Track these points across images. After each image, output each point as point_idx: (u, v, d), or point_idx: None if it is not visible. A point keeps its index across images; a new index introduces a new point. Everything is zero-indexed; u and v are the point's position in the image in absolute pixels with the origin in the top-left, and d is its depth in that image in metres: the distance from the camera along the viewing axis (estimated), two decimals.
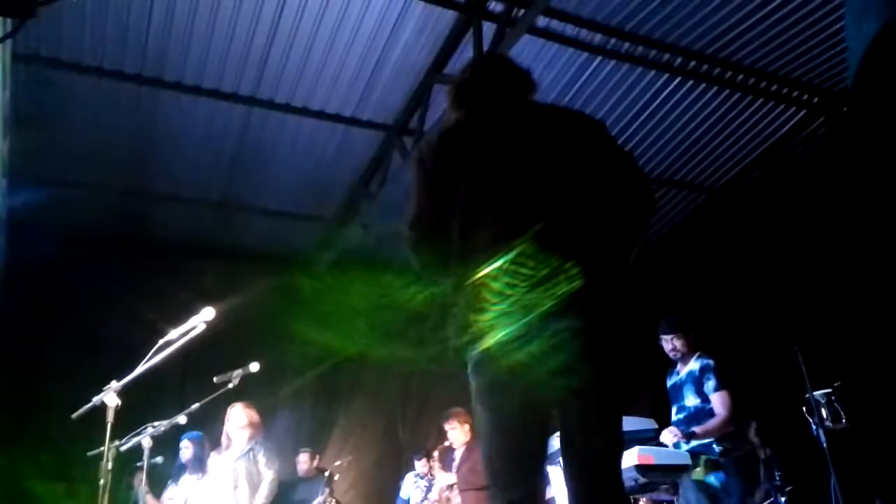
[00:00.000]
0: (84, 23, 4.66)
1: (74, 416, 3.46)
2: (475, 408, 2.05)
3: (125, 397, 3.44)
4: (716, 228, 7.26)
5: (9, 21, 3.33)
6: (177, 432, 5.40)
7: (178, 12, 4.67)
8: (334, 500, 6.36)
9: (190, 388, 5.84)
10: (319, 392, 7.48)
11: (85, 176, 6.07)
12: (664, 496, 4.11)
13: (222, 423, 5.26)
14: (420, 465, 6.69)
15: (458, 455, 5.92)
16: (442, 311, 2.13)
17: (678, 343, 4.27)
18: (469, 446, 5.82)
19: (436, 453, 6.30)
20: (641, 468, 3.62)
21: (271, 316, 6.51)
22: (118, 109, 5.41)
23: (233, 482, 5.03)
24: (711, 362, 4.15)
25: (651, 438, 3.95)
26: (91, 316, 6.13)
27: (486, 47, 4.70)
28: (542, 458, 2.02)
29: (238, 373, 4.48)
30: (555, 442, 2.05)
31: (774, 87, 5.80)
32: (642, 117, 6.02)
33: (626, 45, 5.28)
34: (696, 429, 3.94)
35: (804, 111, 6.12)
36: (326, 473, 6.47)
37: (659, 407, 4.72)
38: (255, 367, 4.53)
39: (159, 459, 5.01)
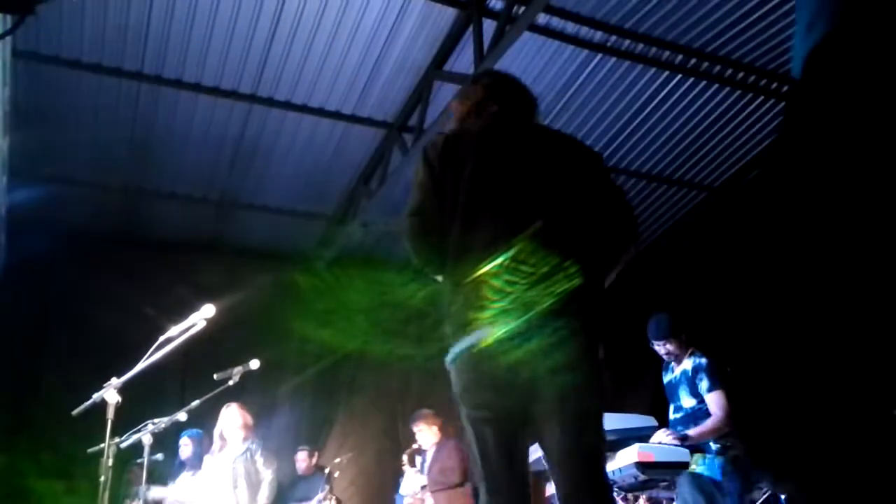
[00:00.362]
0: (84, 20, 4.66)
1: (74, 413, 3.46)
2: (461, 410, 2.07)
3: (125, 394, 3.44)
4: (715, 227, 7.26)
5: (9, 18, 3.33)
6: (177, 429, 5.41)
7: (178, 9, 4.66)
8: (334, 498, 6.36)
9: (190, 385, 5.84)
10: (319, 389, 7.48)
11: (85, 173, 6.07)
12: (663, 493, 4.11)
13: None
14: (420, 462, 6.70)
15: (428, 456, 5.94)
16: (441, 308, 2.13)
17: (670, 347, 4.21)
18: (438, 446, 5.84)
19: (405, 456, 6.31)
20: (641, 465, 3.62)
21: (271, 313, 6.52)
22: (118, 107, 5.41)
23: (232, 482, 5.05)
24: (704, 362, 4.07)
25: (650, 436, 3.94)
26: (90, 313, 6.13)
27: (486, 45, 4.70)
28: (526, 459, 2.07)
29: (238, 370, 4.49)
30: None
31: (774, 85, 5.80)
32: (642, 115, 6.02)
33: (627, 42, 5.27)
34: (691, 432, 3.90)
35: None
36: (326, 471, 6.47)
37: (659, 404, 4.72)
38: (255, 364, 4.54)
39: (159, 456, 5.02)
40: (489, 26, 4.74)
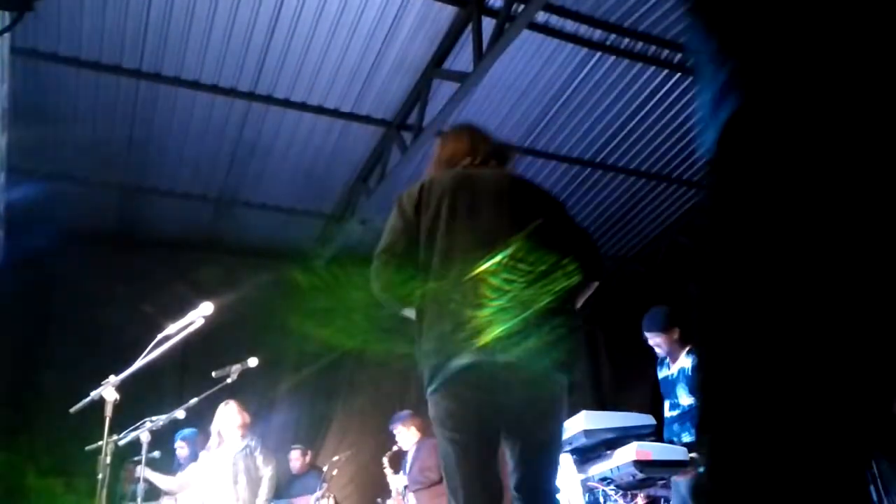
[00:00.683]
0: (82, 17, 4.65)
1: (73, 410, 3.46)
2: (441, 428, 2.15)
3: (123, 392, 3.45)
4: None
5: (7, 15, 3.32)
6: (174, 427, 5.41)
7: (177, 7, 4.66)
8: (332, 496, 6.36)
9: (188, 382, 5.84)
10: (318, 387, 7.47)
11: (83, 170, 6.06)
12: (661, 492, 4.11)
13: None
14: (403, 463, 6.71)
15: (409, 457, 5.96)
16: (440, 307, 2.13)
17: (659, 340, 4.22)
18: (418, 446, 5.88)
19: (385, 459, 6.34)
20: (639, 464, 3.62)
21: (270, 311, 6.50)
22: (116, 104, 5.40)
23: (233, 477, 5.06)
24: None
25: (649, 434, 3.94)
26: (89, 311, 6.12)
27: (485, 43, 4.70)
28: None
29: (237, 368, 4.49)
30: None
31: None
32: (641, 113, 6.02)
33: (626, 40, 5.27)
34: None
35: None
36: (325, 468, 6.47)
37: (657, 403, 4.72)
38: (253, 362, 4.54)
39: (156, 454, 5.02)
40: (488, 24, 4.74)
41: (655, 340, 4.23)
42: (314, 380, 7.40)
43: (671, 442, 4.05)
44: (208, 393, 4.58)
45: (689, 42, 0.95)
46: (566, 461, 3.95)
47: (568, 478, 3.92)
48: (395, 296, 2.26)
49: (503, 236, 2.10)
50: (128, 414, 3.88)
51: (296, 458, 6.78)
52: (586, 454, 4.02)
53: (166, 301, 5.02)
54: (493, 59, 4.62)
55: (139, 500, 4.27)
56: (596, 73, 5.55)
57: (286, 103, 5.59)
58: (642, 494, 4.24)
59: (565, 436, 3.63)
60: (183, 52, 5.01)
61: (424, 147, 5.19)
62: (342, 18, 4.87)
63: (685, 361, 4.18)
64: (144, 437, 4.20)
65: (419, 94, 5.46)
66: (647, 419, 4.03)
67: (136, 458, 4.60)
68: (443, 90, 5.35)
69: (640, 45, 5.32)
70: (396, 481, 6.18)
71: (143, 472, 4.30)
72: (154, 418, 4.27)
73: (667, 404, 4.30)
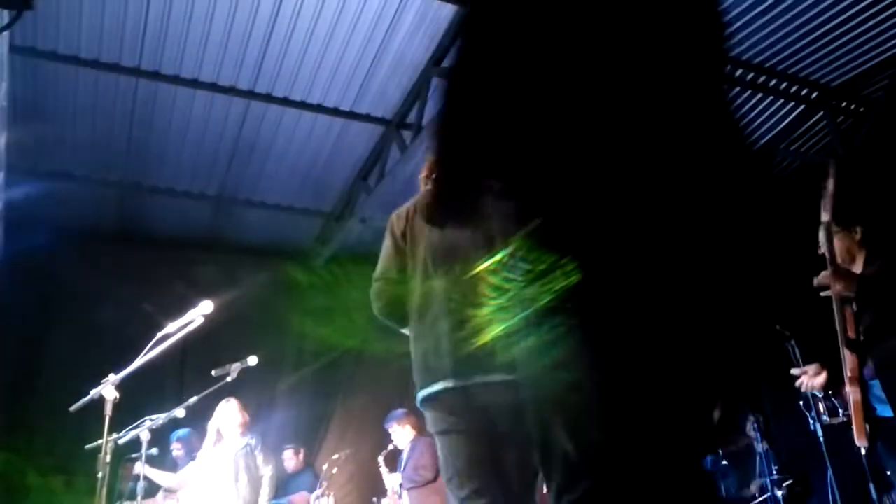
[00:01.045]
0: (82, 15, 4.65)
1: (72, 409, 3.46)
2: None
3: (123, 391, 3.45)
4: None
5: (6, 13, 3.31)
6: (173, 427, 5.42)
7: (176, 5, 4.65)
8: (331, 494, 6.37)
9: (188, 381, 5.84)
10: (317, 386, 7.47)
11: (82, 169, 6.06)
12: None
13: None
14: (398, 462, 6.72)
15: (404, 455, 5.98)
16: (439, 306, 2.14)
17: None
18: (413, 444, 5.89)
19: (381, 458, 6.35)
20: None
21: (269, 310, 6.51)
22: (116, 102, 5.40)
23: (233, 475, 5.06)
24: None
25: None
26: (88, 309, 6.12)
27: None
28: None
29: (236, 366, 4.49)
30: None
31: (773, 83, 5.80)
32: None
33: None
34: None
35: (802, 106, 6.12)
36: (324, 467, 6.49)
37: None
38: (253, 360, 4.54)
39: (154, 451, 5.02)
40: None
41: None
42: (313, 379, 7.40)
43: None
44: (208, 392, 4.58)
45: None
46: None
47: None
48: (394, 317, 2.45)
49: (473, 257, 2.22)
50: (127, 413, 3.88)
51: (289, 458, 6.79)
52: None
53: (166, 300, 5.02)
54: None
55: (139, 497, 4.27)
56: None
57: (285, 102, 5.59)
58: None
59: None
60: (182, 50, 5.00)
61: (424, 145, 5.19)
62: (341, 16, 4.86)
63: None
64: (144, 435, 4.21)
65: (419, 92, 5.46)
66: None
67: (133, 456, 4.61)
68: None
69: None
70: (392, 480, 6.20)
71: (142, 469, 4.30)
72: (154, 417, 4.27)
73: None
